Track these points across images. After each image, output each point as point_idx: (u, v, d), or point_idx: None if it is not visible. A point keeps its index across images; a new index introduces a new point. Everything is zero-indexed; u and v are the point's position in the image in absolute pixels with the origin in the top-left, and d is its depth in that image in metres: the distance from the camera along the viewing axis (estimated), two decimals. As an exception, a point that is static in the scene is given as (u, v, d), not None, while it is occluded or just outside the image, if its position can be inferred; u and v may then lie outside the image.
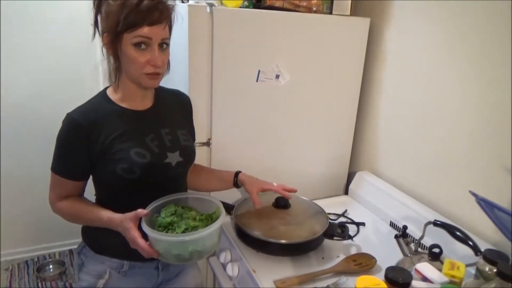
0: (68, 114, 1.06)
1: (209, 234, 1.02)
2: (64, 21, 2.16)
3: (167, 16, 1.04)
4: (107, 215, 1.06)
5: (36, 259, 2.49)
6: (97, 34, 1.07)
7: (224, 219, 1.09)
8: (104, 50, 1.07)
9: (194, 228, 1.07)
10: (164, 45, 1.05)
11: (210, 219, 1.12)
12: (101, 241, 1.15)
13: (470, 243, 1.01)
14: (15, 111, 2.22)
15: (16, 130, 2.26)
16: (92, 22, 1.06)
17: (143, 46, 1.00)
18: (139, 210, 1.01)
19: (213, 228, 1.03)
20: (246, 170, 1.35)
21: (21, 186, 2.37)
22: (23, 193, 2.39)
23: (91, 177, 1.14)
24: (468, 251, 1.08)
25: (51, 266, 2.44)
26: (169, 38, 1.07)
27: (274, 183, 1.34)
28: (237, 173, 1.34)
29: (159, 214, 1.10)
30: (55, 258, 2.51)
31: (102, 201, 1.14)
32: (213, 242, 1.08)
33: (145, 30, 0.99)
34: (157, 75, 1.06)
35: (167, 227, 1.07)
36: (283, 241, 1.25)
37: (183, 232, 1.04)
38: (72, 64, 2.23)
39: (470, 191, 0.93)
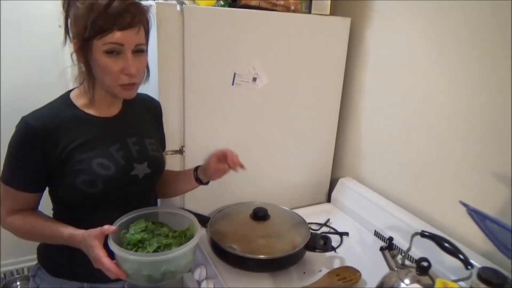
0: (22, 118, 0.95)
1: (184, 253, 0.94)
2: (30, 25, 2.02)
3: (141, 19, 0.94)
4: (68, 231, 0.95)
5: (2, 276, 2.33)
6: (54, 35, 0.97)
7: (200, 236, 1.01)
8: (74, 56, 0.97)
9: (167, 246, 0.98)
10: (139, 51, 0.95)
11: (184, 235, 1.03)
12: (58, 261, 1.05)
13: (461, 256, 0.94)
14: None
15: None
16: (62, 26, 0.95)
17: (115, 53, 0.91)
18: (105, 227, 0.91)
19: (189, 246, 0.95)
20: (222, 178, 1.25)
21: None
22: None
23: (47, 189, 1.03)
24: (457, 263, 1.02)
25: (18, 283, 2.28)
26: (145, 44, 0.97)
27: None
28: (196, 168, 1.21)
29: (127, 231, 1.00)
30: (23, 274, 2.36)
31: (61, 217, 1.03)
32: (188, 261, 0.99)
33: (116, 36, 0.89)
34: (133, 85, 0.97)
35: (137, 245, 0.97)
36: (261, 257, 1.16)
37: (155, 250, 0.96)
38: (39, 70, 2.10)
39: (460, 202, 0.86)
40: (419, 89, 1.36)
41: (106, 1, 0.88)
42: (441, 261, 1.14)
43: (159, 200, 1.30)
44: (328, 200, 1.75)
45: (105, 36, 0.89)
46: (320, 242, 1.24)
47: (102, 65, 0.92)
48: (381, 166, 1.56)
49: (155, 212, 1.09)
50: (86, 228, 0.94)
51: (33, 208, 1.03)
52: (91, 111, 1.01)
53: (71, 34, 0.95)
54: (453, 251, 0.97)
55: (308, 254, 1.26)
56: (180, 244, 0.98)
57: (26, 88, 2.09)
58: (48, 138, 0.94)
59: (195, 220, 1.06)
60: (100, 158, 0.98)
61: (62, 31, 0.97)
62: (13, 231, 1.01)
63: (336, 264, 1.26)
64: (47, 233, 0.99)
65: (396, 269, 1.05)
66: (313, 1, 1.47)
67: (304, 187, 1.70)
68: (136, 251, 0.96)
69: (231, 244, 1.20)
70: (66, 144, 0.95)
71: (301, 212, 1.43)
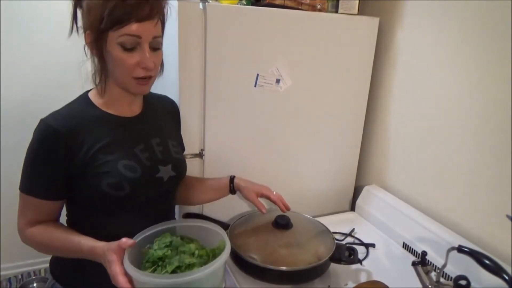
0: (42, 121, 0.90)
1: (207, 275, 0.82)
2: (51, 22, 2.02)
3: (160, 11, 0.90)
4: (88, 245, 0.88)
5: (20, 276, 2.33)
6: (75, 32, 0.93)
7: (227, 256, 0.88)
8: (87, 49, 0.93)
9: (189, 266, 0.87)
10: (156, 49, 0.91)
11: (212, 255, 0.92)
12: (72, 271, 1.00)
13: (505, 275, 0.86)
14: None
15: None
16: (71, 16, 0.92)
17: (131, 46, 0.87)
18: (123, 240, 0.83)
19: (212, 268, 0.82)
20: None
21: (4, 199, 2.22)
22: (6, 206, 2.23)
23: None
24: (498, 282, 0.93)
25: (35, 284, 2.28)
26: (161, 36, 0.93)
27: (273, 191, 1.21)
28: (232, 179, 1.19)
29: (152, 245, 0.91)
30: (40, 275, 2.35)
31: (76, 223, 0.98)
32: (214, 285, 0.88)
33: (133, 28, 0.85)
34: (148, 80, 0.93)
35: (157, 263, 0.88)
36: (284, 268, 1.09)
37: (173, 271, 0.86)
38: (59, 66, 2.09)
39: (507, 216, 0.78)
40: (452, 93, 1.28)
41: None
42: (479, 280, 1.05)
43: (177, 206, 1.25)
44: (352, 208, 1.67)
45: (122, 28, 0.85)
46: (345, 253, 1.17)
47: (116, 58, 0.88)
48: (410, 174, 1.48)
49: (184, 226, 1.00)
50: (105, 233, 0.89)
51: (55, 220, 0.97)
52: (111, 111, 0.97)
53: (82, 25, 0.90)
54: (495, 270, 0.89)
55: (333, 266, 1.18)
56: (205, 264, 0.86)
57: (45, 85, 2.09)
58: (72, 140, 0.89)
59: (226, 238, 0.94)
60: (126, 160, 0.94)
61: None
62: (31, 244, 0.95)
63: (363, 278, 1.19)
64: (66, 247, 0.92)
65: (430, 286, 0.97)
66: (340, 0, 1.40)
67: (327, 194, 1.62)
68: (155, 269, 0.87)
69: (251, 253, 1.14)
70: (90, 145, 0.91)
71: (323, 220, 1.36)
